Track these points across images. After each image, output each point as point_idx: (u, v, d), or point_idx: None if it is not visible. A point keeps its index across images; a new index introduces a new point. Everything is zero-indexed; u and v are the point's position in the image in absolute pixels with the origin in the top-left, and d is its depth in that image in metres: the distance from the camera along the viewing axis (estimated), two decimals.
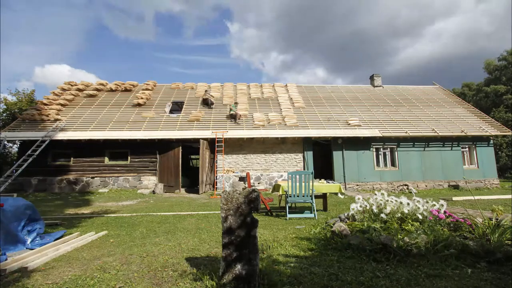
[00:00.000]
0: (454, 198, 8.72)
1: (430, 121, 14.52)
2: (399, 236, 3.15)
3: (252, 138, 13.12)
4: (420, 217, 3.76)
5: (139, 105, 14.60)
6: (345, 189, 12.84)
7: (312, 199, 5.74)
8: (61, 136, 12.21)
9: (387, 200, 4.13)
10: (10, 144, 17.80)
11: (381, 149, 13.84)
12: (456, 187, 13.07)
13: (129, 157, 13.03)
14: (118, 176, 12.79)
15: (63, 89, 16.25)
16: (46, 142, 11.78)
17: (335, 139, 13.36)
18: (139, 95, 15.52)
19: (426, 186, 13.44)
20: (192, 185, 14.73)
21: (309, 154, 13.47)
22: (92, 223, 5.44)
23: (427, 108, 16.06)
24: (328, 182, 6.81)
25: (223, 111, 14.83)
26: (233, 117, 13.95)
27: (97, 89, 16.56)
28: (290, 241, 3.82)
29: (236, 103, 14.83)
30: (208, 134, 12.79)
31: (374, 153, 13.72)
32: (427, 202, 3.95)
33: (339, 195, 6.38)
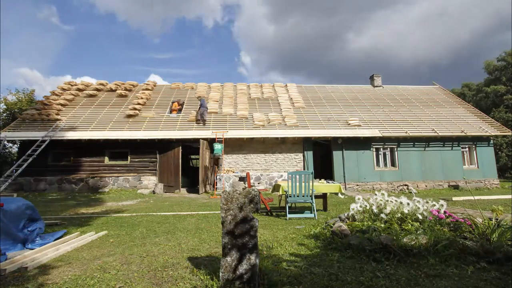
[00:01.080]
0: (454, 198, 8.71)
1: (430, 121, 14.52)
2: (399, 236, 3.15)
3: (252, 138, 13.12)
4: (420, 217, 3.76)
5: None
6: (345, 189, 12.84)
7: (312, 199, 5.74)
8: (61, 136, 12.22)
9: (387, 200, 4.12)
10: (10, 144, 17.82)
11: (381, 149, 13.84)
12: (456, 187, 13.07)
13: (129, 157, 13.03)
14: (118, 176, 12.79)
15: (63, 89, 16.25)
16: (46, 142, 11.79)
17: (335, 139, 13.36)
18: (139, 95, 15.53)
19: (426, 186, 13.44)
20: (192, 185, 14.73)
21: (309, 154, 13.48)
22: (92, 223, 5.44)
23: (427, 108, 16.06)
24: (328, 182, 6.81)
25: (223, 111, 14.83)
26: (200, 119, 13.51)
27: (97, 89, 16.57)
28: (290, 241, 3.81)
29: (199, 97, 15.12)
30: (208, 134, 12.79)
31: (374, 153, 13.72)
32: (427, 202, 3.95)
33: (339, 195, 6.39)
